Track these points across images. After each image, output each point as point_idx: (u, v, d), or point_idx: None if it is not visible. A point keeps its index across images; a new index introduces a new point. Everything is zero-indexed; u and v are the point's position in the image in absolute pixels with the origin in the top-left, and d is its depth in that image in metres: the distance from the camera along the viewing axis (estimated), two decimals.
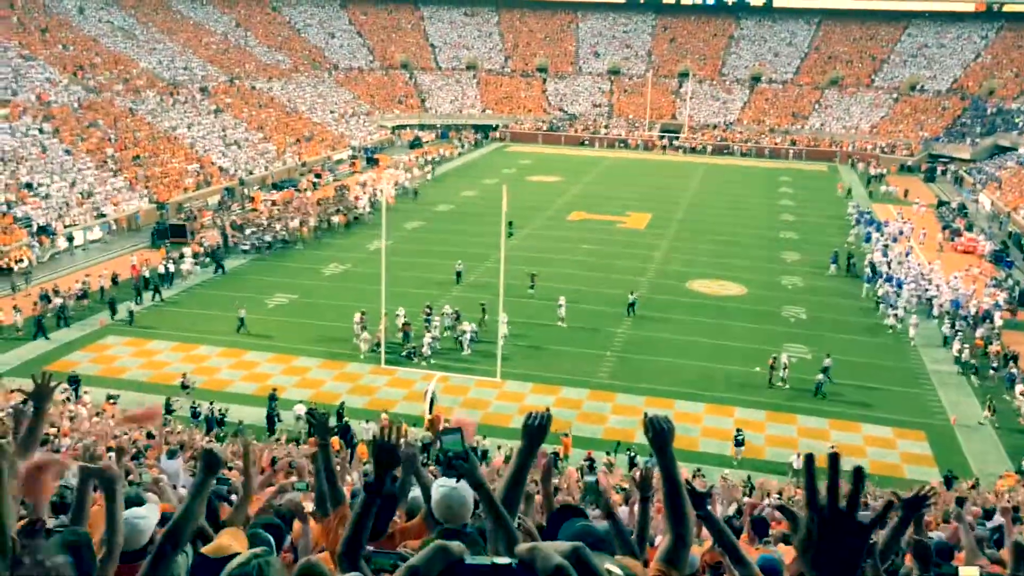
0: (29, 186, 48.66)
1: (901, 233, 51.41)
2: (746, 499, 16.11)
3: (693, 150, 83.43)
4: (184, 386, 29.49)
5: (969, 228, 54.01)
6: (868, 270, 44.06)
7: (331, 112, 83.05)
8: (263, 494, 8.34)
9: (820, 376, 31.04)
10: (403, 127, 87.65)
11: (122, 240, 48.53)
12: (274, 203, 55.18)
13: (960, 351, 33.91)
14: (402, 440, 3.77)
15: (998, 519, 12.91)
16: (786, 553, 7.73)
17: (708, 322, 37.44)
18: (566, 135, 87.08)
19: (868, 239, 50.65)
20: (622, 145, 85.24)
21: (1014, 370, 32.19)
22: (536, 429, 3.64)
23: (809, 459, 2.14)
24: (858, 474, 2.10)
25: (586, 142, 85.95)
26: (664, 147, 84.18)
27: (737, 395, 30.83)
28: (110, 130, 58.90)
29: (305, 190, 60.38)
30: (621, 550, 3.86)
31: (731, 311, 39.10)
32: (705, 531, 5.62)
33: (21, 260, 41.81)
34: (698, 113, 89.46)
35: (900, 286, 41.07)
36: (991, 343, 34.69)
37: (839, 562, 2.04)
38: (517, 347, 33.78)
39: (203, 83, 74.44)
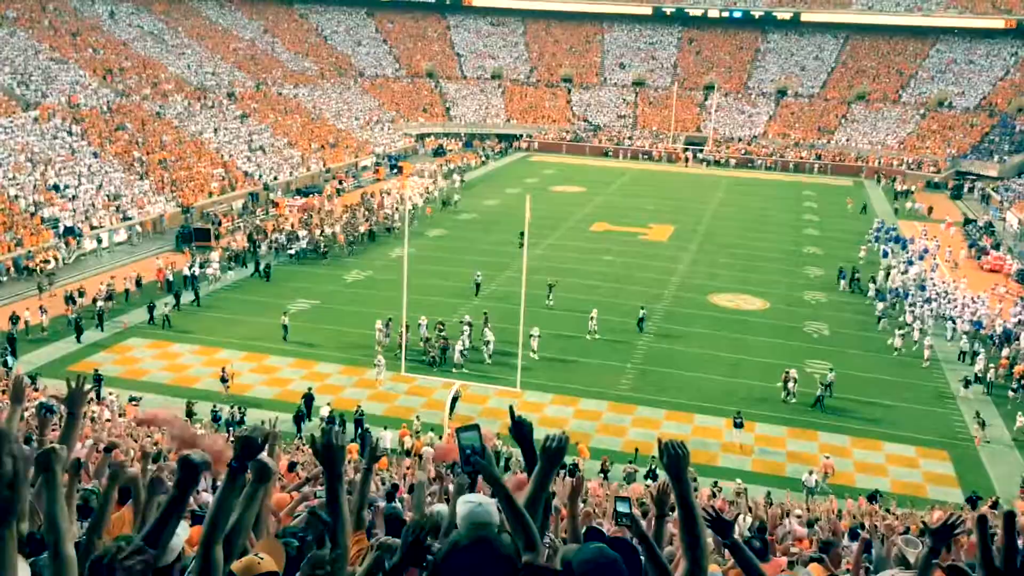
0: (56, 188, 49.20)
1: (927, 251, 50.96)
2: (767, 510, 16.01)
3: (717, 163, 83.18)
4: (224, 379, 30.06)
5: (996, 247, 53.49)
6: (872, 285, 43.59)
7: (356, 119, 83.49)
8: (284, 500, 8.35)
9: (820, 389, 31.01)
10: (427, 135, 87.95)
11: (147, 243, 48.95)
12: (306, 211, 55.18)
13: (983, 371, 33.60)
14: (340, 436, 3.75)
15: None
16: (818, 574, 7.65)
17: (729, 336, 37.26)
18: (590, 146, 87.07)
19: (886, 255, 50.19)
20: (646, 157, 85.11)
21: None
22: (554, 452, 3.64)
23: (1008, 518, 2.07)
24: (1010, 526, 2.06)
25: (610, 153, 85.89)
26: (687, 160, 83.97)
27: (758, 410, 30.63)
28: (138, 133, 59.48)
29: (330, 196, 60.64)
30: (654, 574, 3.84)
31: (753, 326, 38.88)
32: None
33: (48, 261, 42.26)
34: (723, 126, 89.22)
35: (907, 297, 41.05)
36: (1017, 363, 34.31)
37: None
38: (540, 358, 33.73)
39: (230, 88, 75.07)
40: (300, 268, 45.03)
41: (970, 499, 24.28)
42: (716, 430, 29.14)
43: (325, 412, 28.24)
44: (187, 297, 39.15)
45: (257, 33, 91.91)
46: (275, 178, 63.74)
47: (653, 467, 25.31)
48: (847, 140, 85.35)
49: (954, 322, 38.70)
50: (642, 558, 3.89)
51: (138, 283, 40.06)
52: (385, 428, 27.24)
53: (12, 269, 41.65)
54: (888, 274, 45.80)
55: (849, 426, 29.83)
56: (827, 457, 26.84)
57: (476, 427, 3.65)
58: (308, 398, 28.94)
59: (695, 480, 22.39)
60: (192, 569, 3.37)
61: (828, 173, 79.94)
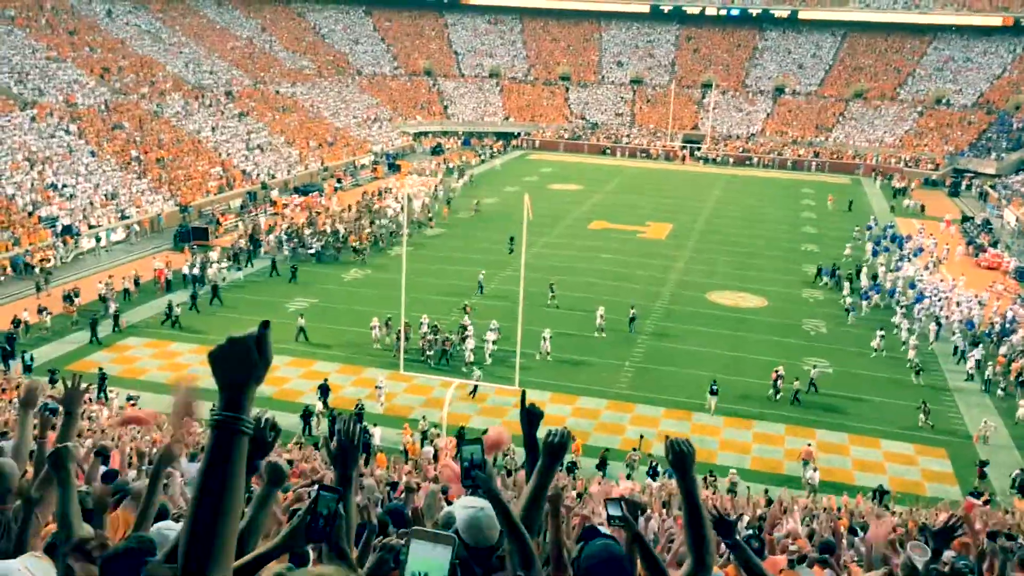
0: (54, 187, 49.15)
1: (921, 251, 50.80)
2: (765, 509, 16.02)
3: (714, 161, 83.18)
4: None
5: (994, 244, 53.51)
6: (848, 284, 43.10)
7: (354, 117, 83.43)
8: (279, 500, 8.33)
9: (797, 383, 31.10)
10: (425, 134, 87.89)
11: (145, 242, 48.90)
12: (307, 208, 54.95)
13: (974, 369, 33.75)
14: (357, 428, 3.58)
15: None
16: None
17: (728, 334, 37.28)
18: (588, 144, 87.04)
19: (876, 254, 50.17)
20: (644, 155, 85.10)
21: None
22: (556, 446, 3.63)
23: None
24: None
25: (608, 151, 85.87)
26: (683, 157, 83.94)
27: (757, 408, 30.68)
28: (135, 132, 59.41)
29: (330, 196, 60.56)
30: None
31: (751, 323, 38.92)
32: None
33: (47, 260, 42.22)
34: (721, 124, 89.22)
35: (892, 295, 41.37)
36: (1014, 360, 34.33)
37: None
38: (540, 357, 33.73)
39: (228, 87, 74.98)
40: (299, 266, 44.87)
41: (971, 496, 24.34)
42: (715, 428, 29.18)
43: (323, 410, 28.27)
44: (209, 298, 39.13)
45: (255, 31, 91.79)
46: (273, 176, 63.68)
47: (654, 464, 25.35)
48: (845, 137, 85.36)
49: (939, 324, 37.97)
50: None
51: (136, 282, 40.01)
52: (375, 425, 27.22)
53: (10, 268, 41.58)
54: (873, 272, 45.41)
55: (847, 423, 29.86)
56: (808, 444, 27.10)
57: (479, 440, 3.63)
58: (324, 388, 29.25)
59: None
60: None
61: (826, 171, 79.96)
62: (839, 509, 19.90)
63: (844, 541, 12.09)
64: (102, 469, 7.49)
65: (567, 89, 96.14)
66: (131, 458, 12.08)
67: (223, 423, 2.26)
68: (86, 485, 7.11)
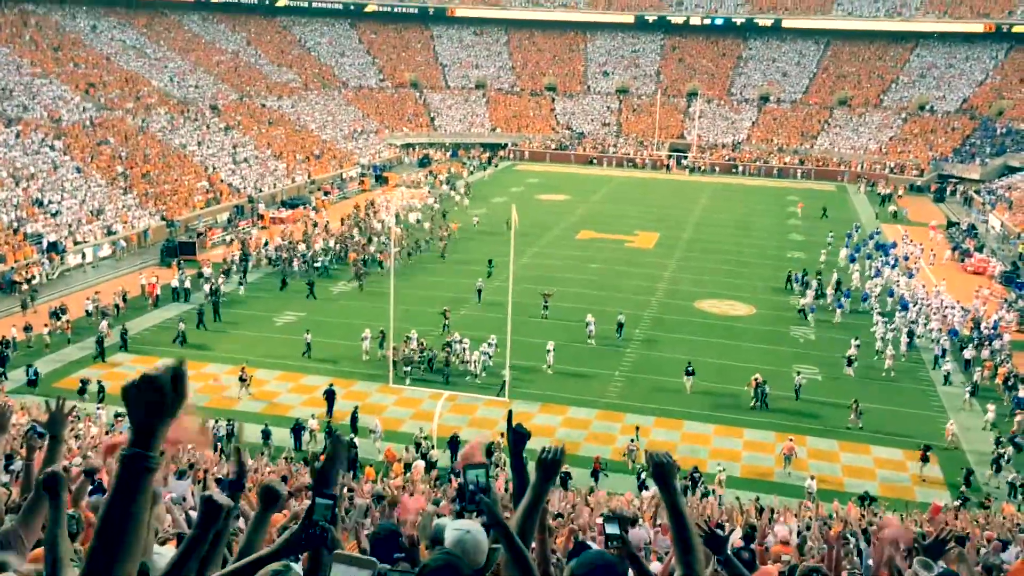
0: (39, 203, 48.92)
1: (907, 258, 50.92)
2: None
3: (701, 170, 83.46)
4: (242, 379, 31.01)
5: (979, 249, 53.83)
6: (810, 291, 42.92)
7: (340, 130, 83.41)
8: (274, 519, 8.28)
9: (767, 386, 31.28)
10: (412, 145, 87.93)
11: (132, 258, 48.69)
12: (314, 224, 54.71)
13: (951, 372, 34.12)
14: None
15: (1014, 550, 12.79)
16: None
17: (717, 342, 37.36)
18: (575, 154, 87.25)
19: (853, 260, 50.38)
20: (630, 164, 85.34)
21: (1022, 393, 32.00)
22: (551, 463, 3.61)
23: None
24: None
25: (594, 161, 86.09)
26: (668, 166, 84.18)
27: (746, 416, 30.72)
28: (121, 147, 59.23)
29: (317, 209, 60.43)
30: None
31: (740, 331, 39.02)
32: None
33: (33, 277, 41.99)
34: (707, 133, 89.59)
35: (865, 300, 42.21)
36: (1001, 365, 34.50)
37: None
38: (526, 367, 33.71)
39: (213, 101, 74.88)
40: (288, 280, 44.72)
41: (961, 501, 24.44)
42: (705, 436, 29.21)
43: (313, 425, 28.15)
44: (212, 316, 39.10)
45: (240, 45, 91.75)
46: (260, 190, 63.57)
47: (643, 478, 25.30)
48: (830, 145, 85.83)
49: (912, 336, 37.55)
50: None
51: (124, 298, 39.79)
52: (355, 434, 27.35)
53: None
54: (840, 279, 45.16)
55: (837, 430, 29.93)
56: (790, 439, 27.39)
57: (484, 465, 3.60)
58: (330, 394, 29.42)
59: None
60: None
61: (812, 178, 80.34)
62: (830, 516, 19.92)
63: (840, 551, 12.06)
64: (89, 489, 7.43)
65: (553, 99, 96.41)
66: None
67: (131, 458, 2.28)
68: (73, 508, 7.06)
